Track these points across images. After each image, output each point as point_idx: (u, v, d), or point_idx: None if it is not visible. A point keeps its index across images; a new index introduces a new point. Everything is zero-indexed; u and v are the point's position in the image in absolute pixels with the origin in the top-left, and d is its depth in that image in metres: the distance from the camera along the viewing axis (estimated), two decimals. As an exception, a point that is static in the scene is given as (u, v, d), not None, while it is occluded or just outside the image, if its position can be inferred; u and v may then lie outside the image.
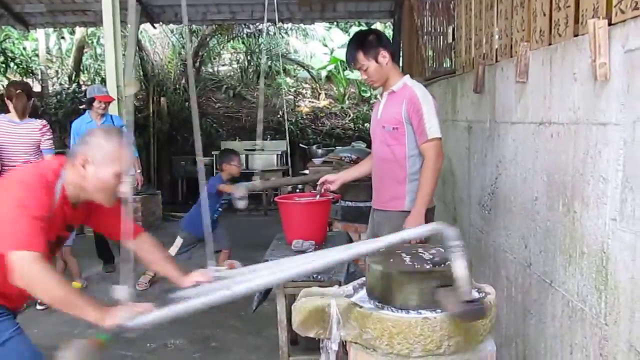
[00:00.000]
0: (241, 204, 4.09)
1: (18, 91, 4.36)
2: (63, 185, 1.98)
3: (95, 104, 5.31)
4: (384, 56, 2.94)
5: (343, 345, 1.97)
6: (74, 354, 1.70)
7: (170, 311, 1.82)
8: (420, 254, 2.02)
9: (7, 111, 4.44)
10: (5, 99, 4.43)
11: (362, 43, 2.94)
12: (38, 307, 4.41)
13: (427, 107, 2.86)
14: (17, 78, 11.25)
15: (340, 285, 2.59)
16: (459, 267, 1.69)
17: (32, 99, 4.58)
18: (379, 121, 3.04)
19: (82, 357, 1.71)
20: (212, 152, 9.77)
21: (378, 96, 3.19)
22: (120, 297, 1.89)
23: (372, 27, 12.98)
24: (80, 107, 9.20)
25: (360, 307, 1.87)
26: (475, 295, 1.87)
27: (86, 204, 2.09)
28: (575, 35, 2.08)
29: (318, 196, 3.31)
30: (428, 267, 1.91)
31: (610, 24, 1.78)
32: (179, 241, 4.69)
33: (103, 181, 1.97)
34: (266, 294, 3.22)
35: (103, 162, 1.96)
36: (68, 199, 2.01)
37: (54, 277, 1.80)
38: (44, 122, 4.57)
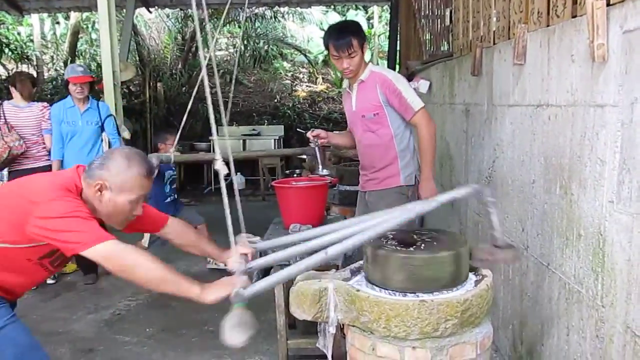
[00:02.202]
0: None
1: (22, 78, 4.78)
2: (83, 199, 1.95)
3: (70, 87, 4.55)
4: (366, 48, 3.06)
5: (341, 328, 1.98)
6: (237, 320, 1.80)
7: (274, 278, 1.91)
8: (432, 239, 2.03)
9: (10, 97, 4.75)
10: (10, 86, 4.74)
11: (359, 32, 3.02)
12: (48, 280, 4.61)
13: (402, 85, 2.98)
14: (12, 64, 11.18)
15: (337, 269, 2.60)
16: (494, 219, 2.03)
17: (37, 87, 5.03)
18: (356, 113, 3.12)
19: (244, 320, 1.81)
20: (210, 138, 9.74)
21: (346, 89, 3.22)
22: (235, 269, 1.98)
23: (369, 10, 12.96)
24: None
25: (357, 290, 1.87)
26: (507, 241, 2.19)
27: None
28: (574, 17, 2.06)
29: (314, 144, 3.18)
30: (423, 249, 1.92)
31: (608, 5, 1.76)
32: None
33: (118, 208, 1.94)
34: (264, 277, 3.21)
35: (120, 189, 1.91)
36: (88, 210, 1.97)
37: (148, 257, 1.79)
38: (45, 104, 4.80)
